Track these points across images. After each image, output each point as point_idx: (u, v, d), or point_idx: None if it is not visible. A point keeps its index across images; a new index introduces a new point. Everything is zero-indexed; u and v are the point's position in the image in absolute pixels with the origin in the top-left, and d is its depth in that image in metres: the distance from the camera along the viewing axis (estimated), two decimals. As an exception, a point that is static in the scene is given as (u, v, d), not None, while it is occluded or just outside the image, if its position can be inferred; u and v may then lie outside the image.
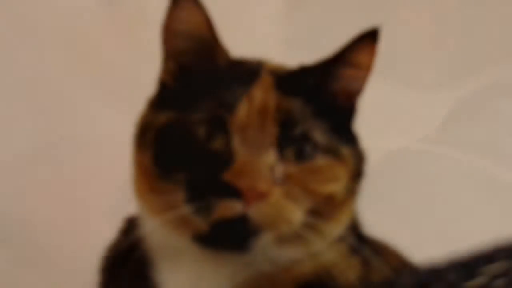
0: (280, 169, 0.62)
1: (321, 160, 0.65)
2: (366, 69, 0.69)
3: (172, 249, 0.65)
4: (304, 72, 0.68)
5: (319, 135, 0.65)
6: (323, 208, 0.65)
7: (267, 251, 0.63)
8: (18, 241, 1.08)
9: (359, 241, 0.71)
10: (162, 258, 0.66)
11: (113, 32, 1.25)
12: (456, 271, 0.36)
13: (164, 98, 0.68)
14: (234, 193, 0.59)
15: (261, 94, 0.64)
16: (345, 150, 0.68)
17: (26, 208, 1.11)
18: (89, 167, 1.17)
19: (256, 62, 0.72)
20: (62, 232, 1.10)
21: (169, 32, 0.68)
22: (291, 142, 0.64)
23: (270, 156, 0.62)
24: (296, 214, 0.62)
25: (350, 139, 0.70)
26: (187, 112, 0.63)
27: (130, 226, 0.72)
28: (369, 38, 0.68)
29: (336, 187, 0.66)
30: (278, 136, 0.63)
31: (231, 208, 0.59)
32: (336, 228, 0.68)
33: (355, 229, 0.73)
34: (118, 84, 1.23)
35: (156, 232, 0.65)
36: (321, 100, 0.66)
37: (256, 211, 0.59)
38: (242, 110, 0.63)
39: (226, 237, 0.61)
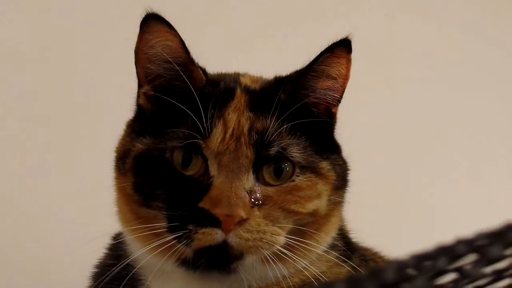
0: (258, 192, 0.62)
1: (300, 178, 0.65)
2: (342, 79, 0.68)
3: (160, 270, 0.65)
4: (276, 87, 0.67)
5: (297, 152, 0.65)
6: (307, 224, 0.64)
7: (253, 271, 0.63)
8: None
9: (348, 249, 0.69)
10: (152, 276, 0.66)
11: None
12: (442, 258, 0.34)
13: (142, 123, 0.67)
14: (213, 221, 0.59)
15: (235, 116, 0.64)
16: (325, 164, 0.67)
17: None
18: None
19: (233, 78, 0.71)
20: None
21: (142, 56, 0.67)
22: (268, 163, 0.63)
23: (247, 180, 0.62)
24: (278, 234, 0.62)
25: (331, 150, 0.70)
26: (163, 139, 0.63)
27: (117, 240, 0.71)
28: (342, 47, 0.67)
29: (318, 203, 0.66)
30: (254, 158, 0.62)
31: (211, 236, 0.59)
32: (323, 240, 0.67)
33: (343, 237, 0.71)
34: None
35: (144, 256, 0.64)
36: (296, 114, 0.66)
37: (236, 237, 0.59)
38: (217, 135, 0.62)
39: (210, 262, 0.61)
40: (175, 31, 0.65)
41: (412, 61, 1.42)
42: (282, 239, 0.62)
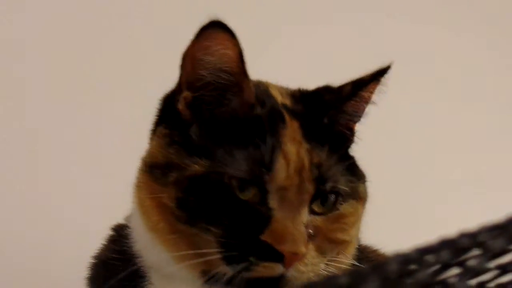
0: (311, 224, 0.62)
1: (344, 206, 0.65)
2: (370, 102, 0.69)
3: (171, 275, 0.65)
4: (319, 111, 0.67)
5: (344, 183, 0.65)
6: (342, 247, 0.66)
7: None
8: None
9: (358, 253, 0.70)
10: (158, 278, 0.66)
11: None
12: (445, 252, 0.34)
13: (185, 136, 0.64)
14: (276, 256, 0.59)
15: (294, 148, 0.62)
16: (362, 187, 0.68)
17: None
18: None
19: (264, 92, 0.68)
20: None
21: (193, 61, 0.64)
22: (322, 196, 0.63)
23: (305, 214, 0.61)
24: (323, 264, 0.63)
25: (357, 167, 0.70)
26: (222, 164, 0.61)
27: (120, 235, 0.70)
28: (383, 75, 0.68)
29: (358, 227, 0.67)
30: (314, 193, 0.62)
31: (272, 270, 0.59)
32: (351, 254, 0.68)
33: None
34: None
35: (162, 262, 0.64)
36: (336, 139, 0.66)
37: (294, 271, 0.59)
38: (281, 170, 0.61)
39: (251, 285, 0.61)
40: (238, 40, 0.62)
41: (414, 64, 1.42)
42: (323, 266, 0.63)
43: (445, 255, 0.36)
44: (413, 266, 0.37)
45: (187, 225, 0.61)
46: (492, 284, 0.42)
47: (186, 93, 0.65)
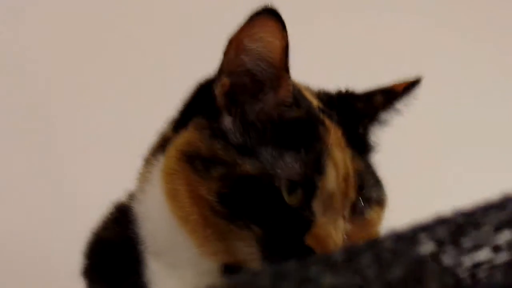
0: (345, 231, 0.62)
1: (369, 213, 0.66)
2: (400, 113, 0.71)
3: (176, 260, 0.65)
4: (355, 119, 0.68)
5: (374, 192, 0.66)
6: None
7: None
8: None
9: None
10: (159, 266, 0.66)
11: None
12: (440, 230, 0.34)
13: (227, 130, 0.64)
14: None
15: (340, 155, 0.63)
16: (384, 193, 0.69)
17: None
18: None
19: (299, 93, 0.67)
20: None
21: (237, 46, 0.62)
22: (357, 198, 0.64)
23: (343, 220, 0.62)
24: None
25: (379, 174, 0.70)
26: (273, 166, 0.61)
27: (123, 216, 0.70)
28: (413, 87, 0.70)
29: (379, 231, 0.67)
30: (354, 196, 0.63)
31: None
32: None
33: None
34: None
35: (178, 250, 0.64)
36: (366, 147, 0.69)
37: None
38: (331, 176, 0.61)
39: None
40: (287, 32, 0.61)
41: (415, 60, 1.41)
42: None
43: (440, 233, 0.36)
44: (407, 244, 0.37)
45: (225, 220, 0.61)
46: (487, 264, 0.42)
47: (225, 80, 0.64)
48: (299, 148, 0.61)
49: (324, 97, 0.70)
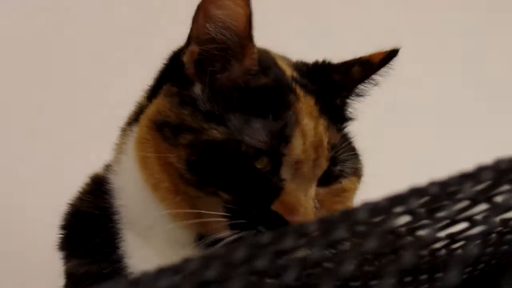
0: (317, 198, 0.63)
1: (345, 181, 0.66)
2: (377, 84, 0.71)
3: (150, 230, 0.65)
4: (332, 91, 0.68)
5: (349, 164, 0.66)
6: None
7: None
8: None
9: None
10: (134, 235, 0.66)
11: None
12: (414, 199, 0.34)
13: (188, 93, 0.64)
14: (283, 224, 0.59)
15: (312, 124, 0.63)
16: (361, 165, 0.69)
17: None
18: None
19: (272, 62, 0.68)
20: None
21: (203, 13, 0.63)
22: (331, 166, 0.65)
23: (314, 188, 0.63)
24: None
25: (356, 146, 0.71)
26: (240, 132, 0.61)
27: (99, 187, 0.69)
28: (391, 58, 0.70)
29: (354, 200, 0.68)
30: (325, 171, 0.63)
31: None
32: None
33: None
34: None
35: (153, 220, 0.64)
36: (343, 119, 0.68)
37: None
38: (298, 144, 0.61)
39: None
40: (250, 2, 0.62)
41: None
42: None
43: (414, 204, 0.36)
44: (382, 215, 0.36)
45: (194, 187, 0.61)
46: (461, 235, 0.42)
47: (193, 47, 0.64)
48: (266, 115, 0.61)
49: (302, 67, 0.71)
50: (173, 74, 0.67)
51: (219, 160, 0.61)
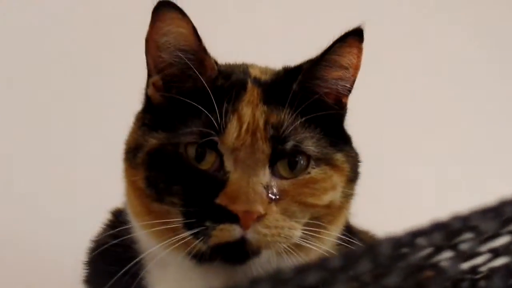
0: (274, 186, 0.61)
1: (315, 171, 0.64)
2: (354, 68, 0.68)
3: (164, 260, 0.64)
4: (288, 78, 0.66)
5: (312, 145, 0.64)
6: (322, 216, 0.65)
7: (268, 264, 0.62)
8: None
9: (348, 233, 0.70)
10: (153, 264, 0.65)
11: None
12: (439, 232, 0.34)
13: (152, 116, 0.66)
14: (230, 217, 0.58)
15: (249, 111, 0.63)
16: (339, 156, 0.67)
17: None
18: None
19: (242, 70, 0.69)
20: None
21: (152, 44, 0.65)
22: (283, 157, 0.62)
23: (263, 175, 0.61)
24: (295, 229, 0.62)
25: (344, 141, 0.69)
26: (177, 134, 0.62)
27: (119, 221, 0.70)
28: (354, 37, 0.66)
29: (333, 195, 0.65)
30: (271, 153, 0.62)
31: (229, 232, 0.58)
32: (335, 231, 0.67)
33: (345, 223, 0.72)
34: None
35: (154, 248, 0.64)
36: (309, 106, 0.65)
37: (254, 233, 0.59)
38: (232, 131, 0.61)
39: (227, 258, 0.61)
40: (188, 18, 0.64)
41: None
42: (298, 232, 0.62)
43: (437, 238, 0.36)
44: (405, 249, 0.37)
45: (157, 202, 0.62)
46: (484, 267, 0.42)
47: (154, 78, 0.66)
48: (203, 112, 0.62)
49: (282, 70, 0.70)
50: (143, 102, 0.69)
51: (162, 167, 0.62)
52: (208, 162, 0.61)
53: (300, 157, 0.63)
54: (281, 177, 0.62)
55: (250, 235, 0.59)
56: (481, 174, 1.35)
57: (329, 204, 0.65)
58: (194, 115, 0.62)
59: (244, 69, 0.70)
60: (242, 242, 0.59)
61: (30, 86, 1.20)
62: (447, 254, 0.39)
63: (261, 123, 0.62)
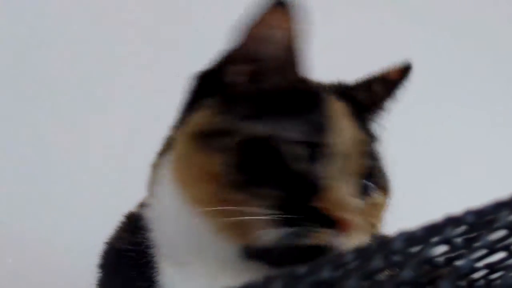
0: (363, 201, 0.63)
1: (378, 197, 0.66)
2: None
3: (192, 256, 0.64)
4: (363, 107, 0.69)
5: (379, 173, 0.66)
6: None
7: None
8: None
9: None
10: (172, 266, 0.65)
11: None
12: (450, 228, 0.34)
13: (231, 104, 0.65)
14: (329, 222, 0.58)
15: (349, 122, 0.64)
16: (389, 183, 0.69)
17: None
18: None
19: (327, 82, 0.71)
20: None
21: (254, 35, 0.65)
22: (371, 175, 0.64)
23: (359, 187, 0.62)
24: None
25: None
26: (278, 130, 0.61)
27: (134, 225, 0.70)
28: (408, 73, 0.71)
29: (383, 218, 0.67)
30: (367, 167, 0.63)
31: (325, 237, 0.58)
32: None
33: None
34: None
35: (191, 230, 0.63)
36: (375, 133, 0.69)
37: (343, 241, 0.58)
38: (339, 137, 0.62)
39: (294, 259, 0.56)
40: (299, 20, 0.64)
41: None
42: None
43: (451, 234, 0.36)
44: (418, 245, 0.36)
45: (239, 190, 0.60)
46: (500, 265, 0.41)
47: (245, 67, 0.66)
48: (305, 112, 0.62)
49: (325, 87, 0.72)
50: (209, 91, 0.67)
51: (259, 158, 0.60)
52: (309, 164, 0.61)
53: (372, 181, 0.65)
54: (365, 194, 0.64)
55: (339, 242, 0.58)
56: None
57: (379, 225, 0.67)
58: (294, 114, 0.62)
59: (327, 82, 0.72)
60: (328, 247, 0.58)
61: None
62: (461, 251, 0.39)
63: (361, 136, 0.64)
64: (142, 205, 0.72)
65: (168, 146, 0.70)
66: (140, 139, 1.15)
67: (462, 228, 0.35)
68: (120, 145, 1.23)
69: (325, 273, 0.37)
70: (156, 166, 0.71)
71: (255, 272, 0.61)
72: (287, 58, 0.65)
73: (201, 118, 0.66)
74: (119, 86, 1.26)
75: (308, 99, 0.64)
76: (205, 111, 0.66)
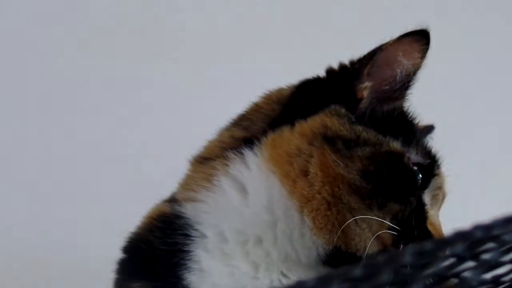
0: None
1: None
2: None
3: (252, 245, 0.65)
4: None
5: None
6: None
7: None
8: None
9: None
10: (212, 255, 0.66)
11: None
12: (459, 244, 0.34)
13: (360, 116, 0.69)
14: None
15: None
16: None
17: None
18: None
19: None
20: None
21: (386, 56, 0.69)
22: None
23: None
24: None
25: None
26: (409, 149, 0.67)
27: (171, 227, 0.69)
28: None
29: None
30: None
31: None
32: None
33: None
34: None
35: (279, 223, 0.64)
36: None
37: None
38: (441, 170, 0.70)
39: None
40: (427, 54, 0.69)
41: None
42: None
43: (459, 248, 0.36)
44: (427, 259, 0.37)
45: (362, 197, 0.63)
46: (507, 277, 0.42)
47: (367, 83, 0.69)
48: (421, 138, 0.70)
49: None
50: (337, 98, 0.70)
51: (394, 172, 0.64)
52: (421, 187, 0.67)
53: None
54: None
55: None
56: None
57: None
58: (413, 137, 0.69)
59: None
60: None
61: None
62: (469, 264, 0.39)
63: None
64: (172, 204, 0.71)
65: (246, 140, 0.70)
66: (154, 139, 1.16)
67: (471, 242, 0.35)
68: (127, 145, 1.23)
69: (334, 287, 0.37)
70: (208, 165, 0.70)
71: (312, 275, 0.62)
72: (408, 85, 0.70)
73: (329, 122, 0.68)
74: (120, 83, 1.26)
75: (414, 127, 0.71)
76: (334, 117, 0.68)
